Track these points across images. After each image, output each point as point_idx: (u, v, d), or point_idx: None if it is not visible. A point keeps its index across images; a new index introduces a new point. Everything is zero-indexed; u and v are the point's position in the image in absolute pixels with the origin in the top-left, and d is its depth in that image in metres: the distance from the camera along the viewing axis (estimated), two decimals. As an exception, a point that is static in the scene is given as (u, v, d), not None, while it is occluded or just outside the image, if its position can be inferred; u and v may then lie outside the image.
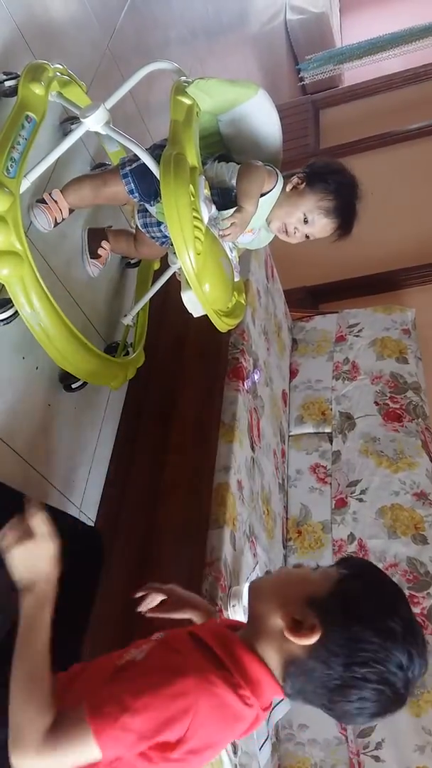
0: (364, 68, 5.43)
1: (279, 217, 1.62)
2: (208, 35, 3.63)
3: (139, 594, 1.28)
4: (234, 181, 1.54)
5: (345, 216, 1.60)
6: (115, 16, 2.36)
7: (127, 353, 1.95)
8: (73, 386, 1.71)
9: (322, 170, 1.61)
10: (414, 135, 4.17)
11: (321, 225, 1.60)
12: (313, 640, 0.87)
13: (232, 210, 1.46)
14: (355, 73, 5.59)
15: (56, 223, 1.68)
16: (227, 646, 0.93)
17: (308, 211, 1.58)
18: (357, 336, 2.92)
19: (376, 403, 2.64)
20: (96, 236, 1.88)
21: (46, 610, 0.94)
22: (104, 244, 1.88)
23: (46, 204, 1.64)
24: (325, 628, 0.88)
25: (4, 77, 1.59)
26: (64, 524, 1.47)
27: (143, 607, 1.27)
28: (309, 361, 2.90)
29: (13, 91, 1.55)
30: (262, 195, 1.57)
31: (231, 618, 1.58)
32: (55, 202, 1.65)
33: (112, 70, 2.24)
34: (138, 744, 0.84)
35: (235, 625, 1.06)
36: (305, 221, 1.60)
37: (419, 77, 4.67)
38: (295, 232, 1.63)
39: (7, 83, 1.57)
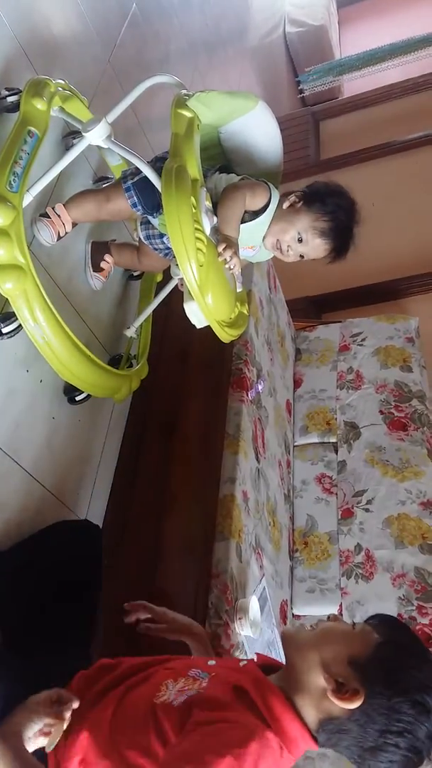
0: (363, 79, 5.47)
1: (273, 233, 1.61)
2: (208, 49, 3.65)
3: (128, 609, 1.37)
4: None
5: (340, 239, 1.58)
6: (115, 31, 2.38)
7: (131, 365, 1.95)
8: (77, 399, 1.71)
9: (321, 191, 1.60)
10: (414, 144, 4.19)
11: (314, 245, 1.58)
12: (356, 704, 0.92)
13: (210, 226, 1.42)
14: (354, 85, 5.63)
15: (59, 237, 1.68)
16: (266, 700, 0.96)
17: (303, 230, 1.57)
18: (360, 345, 2.91)
19: (381, 412, 2.63)
20: (99, 250, 1.89)
21: None
22: (107, 257, 1.89)
23: (50, 218, 1.65)
24: (367, 694, 0.92)
25: (7, 93, 1.60)
26: (62, 530, 1.50)
27: (129, 618, 1.36)
28: (313, 370, 2.90)
29: (15, 107, 1.56)
30: (257, 213, 1.57)
31: (240, 632, 1.57)
32: (58, 216, 1.66)
33: (113, 85, 2.25)
34: None
35: (271, 665, 1.08)
36: (299, 240, 1.58)
37: (418, 87, 4.70)
38: (288, 250, 1.61)
39: (10, 98, 1.59)
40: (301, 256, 1.63)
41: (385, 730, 0.90)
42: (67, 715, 0.97)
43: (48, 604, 1.27)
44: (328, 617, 1.10)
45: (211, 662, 1.12)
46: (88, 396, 1.72)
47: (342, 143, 4.54)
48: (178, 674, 1.05)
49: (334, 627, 1.05)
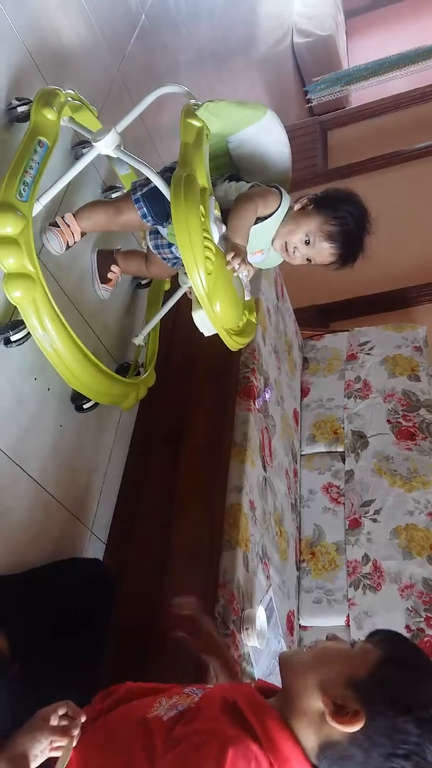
0: (371, 89, 5.48)
1: (281, 235, 1.61)
2: (216, 59, 3.67)
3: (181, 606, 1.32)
4: None
5: (347, 245, 1.58)
6: (125, 42, 2.39)
7: (138, 373, 1.96)
8: (85, 407, 1.72)
9: (333, 195, 1.60)
10: (422, 153, 4.19)
11: (320, 249, 1.58)
12: (356, 727, 0.85)
13: (218, 235, 1.42)
14: (362, 94, 5.64)
15: (68, 247, 1.69)
16: (262, 718, 0.91)
17: (310, 232, 1.57)
18: (368, 354, 2.90)
19: (389, 422, 2.61)
20: (105, 260, 1.89)
21: None
22: (114, 267, 1.89)
23: (59, 228, 1.66)
24: (368, 716, 0.85)
25: (17, 103, 1.61)
26: (75, 570, 1.49)
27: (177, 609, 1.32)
28: (320, 379, 2.89)
29: (25, 117, 1.57)
30: (266, 217, 1.57)
31: (247, 643, 1.56)
32: (68, 225, 1.67)
33: (123, 95, 2.27)
34: None
35: (270, 689, 1.03)
36: (306, 242, 1.58)
37: (426, 97, 4.70)
38: (295, 252, 1.61)
39: (20, 108, 1.60)
40: (309, 260, 1.63)
41: (391, 753, 0.83)
42: (75, 732, 0.94)
43: (53, 640, 1.26)
44: (327, 637, 1.06)
45: (210, 685, 1.11)
46: (96, 404, 1.72)
47: (350, 152, 4.55)
48: (174, 693, 1.03)
49: (332, 647, 0.99)
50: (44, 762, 0.95)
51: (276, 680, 1.47)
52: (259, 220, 1.57)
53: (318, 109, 5.81)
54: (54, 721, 0.95)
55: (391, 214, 3.57)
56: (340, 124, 5.00)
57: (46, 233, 1.65)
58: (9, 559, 1.43)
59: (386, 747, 0.83)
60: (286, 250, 1.62)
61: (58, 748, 0.94)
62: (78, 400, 1.71)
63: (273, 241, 1.64)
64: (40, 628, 1.22)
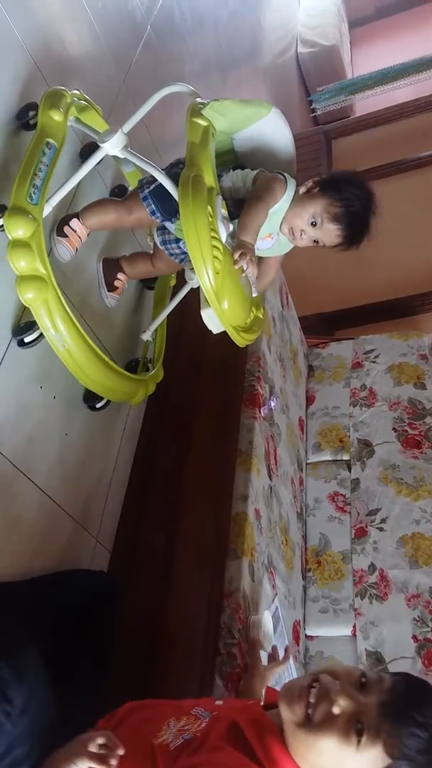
0: (376, 98, 5.49)
1: (288, 219, 1.61)
2: (221, 68, 3.69)
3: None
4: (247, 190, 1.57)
5: (353, 226, 1.58)
6: (130, 51, 2.41)
7: (147, 369, 1.98)
8: (98, 406, 1.74)
9: (338, 177, 1.62)
10: (427, 162, 4.20)
11: (327, 230, 1.58)
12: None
13: (225, 234, 1.43)
14: (366, 103, 5.65)
15: (76, 251, 1.71)
16: (264, 740, 0.93)
17: (316, 213, 1.57)
18: (373, 362, 2.90)
19: (395, 430, 2.60)
20: (111, 268, 1.90)
21: None
22: (120, 275, 1.90)
23: (67, 237, 1.68)
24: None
25: (33, 114, 1.61)
26: (82, 580, 1.49)
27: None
28: (325, 387, 2.88)
29: (35, 125, 1.58)
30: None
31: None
32: (74, 231, 1.68)
33: (128, 104, 2.27)
34: None
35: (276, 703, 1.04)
36: (313, 224, 1.58)
37: (430, 105, 4.71)
38: (301, 235, 1.61)
39: (30, 113, 1.61)
40: (315, 242, 1.63)
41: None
42: (113, 762, 0.92)
43: (57, 651, 1.24)
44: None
45: (219, 702, 1.10)
46: (107, 403, 1.74)
47: (354, 161, 4.55)
48: (181, 713, 1.03)
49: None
50: None
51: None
52: None
53: (322, 119, 5.82)
54: (93, 749, 0.94)
55: (396, 223, 3.57)
56: (344, 134, 5.01)
57: (55, 243, 1.66)
58: (14, 567, 1.42)
59: None
60: (293, 233, 1.62)
61: None
62: (90, 400, 1.73)
63: (280, 225, 1.64)
64: (44, 639, 1.21)
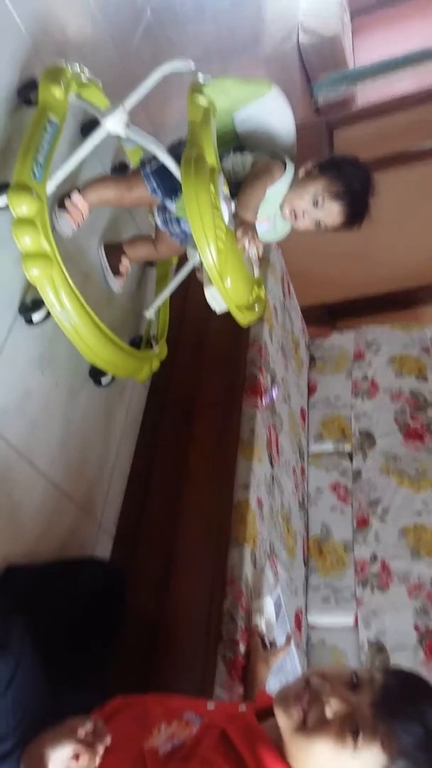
0: (377, 88, 5.47)
1: (289, 201, 1.62)
2: (221, 57, 3.67)
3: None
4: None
5: (355, 204, 1.60)
6: (130, 38, 2.39)
7: (150, 346, 2.00)
8: (103, 381, 1.76)
9: (337, 158, 1.64)
10: (429, 154, 4.17)
11: (329, 209, 1.59)
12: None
13: (228, 213, 1.43)
14: (368, 94, 5.63)
15: (78, 226, 1.70)
16: (256, 750, 0.91)
17: (318, 193, 1.58)
18: (375, 354, 2.89)
19: (397, 421, 2.60)
20: (114, 253, 1.89)
21: None
22: (123, 259, 1.89)
23: (68, 211, 1.66)
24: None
25: (29, 90, 1.60)
26: (89, 569, 1.49)
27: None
28: (327, 378, 2.87)
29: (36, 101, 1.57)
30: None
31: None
32: (75, 205, 1.67)
33: (128, 91, 2.25)
34: None
35: (270, 706, 1.02)
36: (315, 204, 1.59)
37: (432, 97, 4.69)
38: (304, 215, 1.62)
39: (31, 94, 1.60)
40: (318, 224, 1.63)
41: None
42: (101, 749, 0.93)
43: (59, 637, 1.24)
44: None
45: (211, 706, 1.09)
46: (113, 379, 1.76)
47: (356, 152, 4.47)
48: (172, 716, 1.02)
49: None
50: None
51: (283, 679, 1.46)
52: None
53: (324, 109, 5.79)
54: (81, 734, 0.94)
55: (398, 215, 3.56)
56: (346, 124, 4.98)
57: (57, 218, 1.65)
58: (17, 551, 1.42)
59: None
60: (295, 215, 1.63)
61: (77, 759, 0.93)
62: (96, 375, 1.75)
63: (281, 208, 1.64)
64: (45, 630, 1.21)
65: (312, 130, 4.85)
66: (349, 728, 0.87)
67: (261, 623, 1.54)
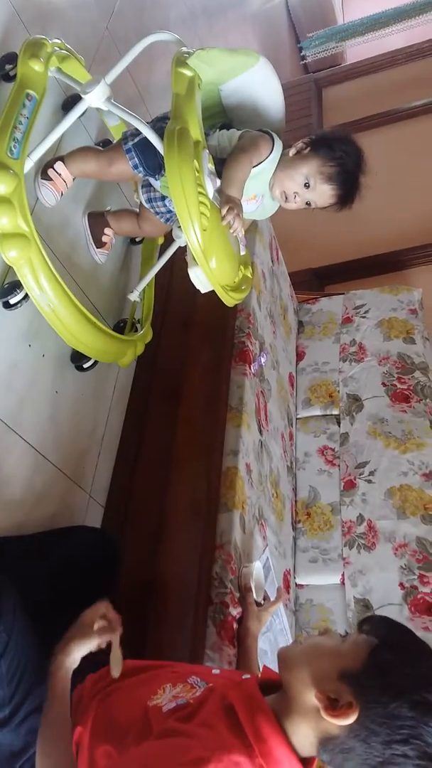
0: (367, 45, 5.35)
1: (280, 181, 1.59)
2: (207, 15, 3.57)
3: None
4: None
5: (347, 185, 1.56)
6: (113, -3, 2.32)
7: (135, 329, 1.96)
8: (85, 366, 1.72)
9: (328, 137, 1.59)
10: (419, 112, 4.12)
11: (321, 191, 1.56)
12: (351, 719, 0.86)
13: (212, 189, 1.38)
14: (357, 51, 5.51)
15: (61, 195, 1.68)
16: (255, 720, 0.92)
17: (310, 175, 1.55)
18: (363, 317, 2.90)
19: (384, 385, 2.62)
20: (98, 223, 1.87)
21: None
22: (107, 230, 1.87)
23: (51, 180, 1.64)
24: (362, 706, 0.86)
25: (11, 67, 1.56)
26: (81, 536, 1.51)
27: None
28: (315, 343, 2.89)
29: (14, 76, 1.53)
30: (259, 163, 1.54)
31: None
32: (59, 175, 1.65)
33: (112, 52, 2.21)
34: None
35: (275, 681, 1.04)
36: (306, 185, 1.56)
37: (423, 53, 4.60)
38: (295, 197, 1.59)
39: (7, 66, 1.56)
40: (308, 204, 1.61)
41: (389, 740, 0.84)
42: (119, 629, 1.12)
43: (56, 604, 1.27)
44: (319, 631, 1.07)
45: (215, 671, 1.12)
46: (95, 363, 1.72)
47: (345, 111, 4.46)
48: (178, 679, 1.05)
49: (323, 642, 1.00)
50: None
51: (272, 638, 1.52)
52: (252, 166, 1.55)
53: (313, 66, 5.68)
54: (98, 626, 1.11)
55: (387, 175, 3.52)
56: (335, 82, 4.90)
57: (39, 186, 1.63)
58: (9, 523, 1.44)
59: (384, 735, 0.84)
60: (286, 196, 1.60)
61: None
62: (78, 360, 1.70)
63: (271, 188, 1.61)
64: (40, 596, 1.24)
65: (301, 89, 4.78)
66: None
67: (251, 586, 1.59)
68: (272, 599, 1.66)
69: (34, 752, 1.02)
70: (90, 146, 1.85)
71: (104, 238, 1.86)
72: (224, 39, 3.91)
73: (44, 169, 1.66)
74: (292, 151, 1.58)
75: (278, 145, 1.57)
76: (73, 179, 1.69)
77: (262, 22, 4.97)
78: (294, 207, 1.62)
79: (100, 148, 1.84)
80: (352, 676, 0.89)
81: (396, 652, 0.90)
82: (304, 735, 0.92)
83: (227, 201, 1.38)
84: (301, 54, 5.74)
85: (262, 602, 1.62)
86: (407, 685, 0.86)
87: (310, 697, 0.91)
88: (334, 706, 0.89)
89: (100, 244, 1.86)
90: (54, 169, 1.65)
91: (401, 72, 4.65)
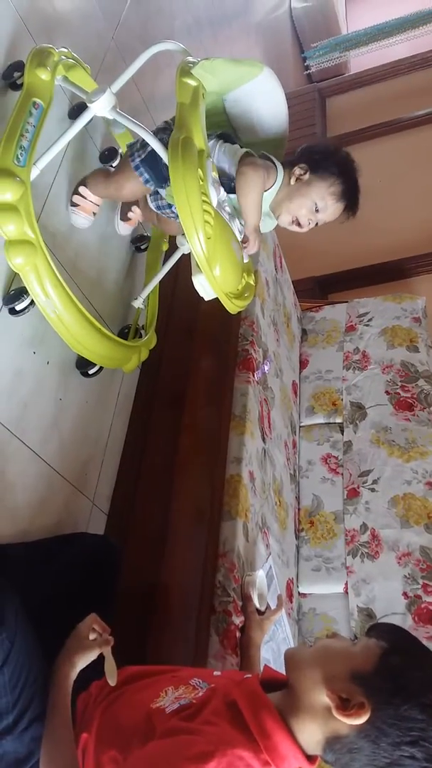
0: (371, 55, 5.38)
1: (290, 210, 1.59)
2: (212, 24, 3.60)
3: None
4: (234, 170, 1.52)
5: (352, 196, 1.59)
6: (119, 7, 2.34)
7: (140, 336, 1.97)
8: (90, 372, 1.73)
9: (321, 155, 1.59)
10: (422, 121, 4.14)
11: (333, 210, 1.59)
12: (362, 719, 0.87)
13: (216, 198, 1.42)
14: (361, 60, 5.54)
15: (94, 215, 1.76)
16: (259, 717, 0.93)
17: (319, 198, 1.56)
18: (367, 325, 2.90)
19: (387, 393, 2.63)
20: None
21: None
22: (134, 208, 1.95)
23: (79, 206, 1.72)
24: (373, 707, 0.87)
25: (19, 74, 1.57)
26: (83, 543, 1.51)
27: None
28: (319, 351, 2.89)
29: (22, 85, 1.54)
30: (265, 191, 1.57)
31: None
32: (85, 198, 1.73)
33: (117, 61, 2.22)
34: None
35: (277, 680, 1.05)
36: (317, 210, 1.58)
37: (426, 63, 4.62)
38: (309, 223, 1.61)
39: (16, 74, 1.57)
40: (316, 224, 1.63)
41: (399, 742, 0.85)
42: (111, 639, 1.13)
43: (57, 611, 1.26)
44: (327, 635, 1.08)
45: (217, 673, 1.12)
46: (101, 369, 1.73)
47: (349, 120, 4.48)
48: (179, 682, 1.06)
49: (333, 644, 1.01)
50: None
51: (275, 647, 1.51)
52: None
53: (317, 76, 5.70)
54: (91, 637, 1.13)
55: (391, 184, 3.54)
56: (339, 91, 4.92)
57: (71, 215, 1.73)
58: (12, 530, 1.44)
59: (393, 736, 0.86)
60: (299, 223, 1.61)
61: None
62: (83, 366, 1.71)
63: (278, 218, 1.63)
64: (42, 603, 1.24)
65: (305, 99, 4.80)
66: None
67: (253, 595, 1.58)
68: (282, 618, 1.66)
69: (38, 759, 1.02)
70: (100, 169, 1.85)
71: (130, 215, 1.94)
72: (229, 49, 3.93)
73: (72, 198, 1.73)
74: (292, 180, 1.58)
75: (280, 173, 1.58)
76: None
77: (266, 32, 5.01)
78: (306, 230, 1.64)
79: (111, 169, 1.85)
80: (364, 677, 0.91)
81: (406, 656, 0.92)
82: (311, 733, 0.93)
83: (254, 230, 1.52)
84: (305, 64, 5.77)
85: (265, 611, 1.62)
86: (418, 688, 0.88)
87: (320, 696, 0.93)
88: (345, 705, 0.90)
89: (125, 218, 1.94)
90: (80, 194, 1.72)
91: (405, 82, 4.67)
